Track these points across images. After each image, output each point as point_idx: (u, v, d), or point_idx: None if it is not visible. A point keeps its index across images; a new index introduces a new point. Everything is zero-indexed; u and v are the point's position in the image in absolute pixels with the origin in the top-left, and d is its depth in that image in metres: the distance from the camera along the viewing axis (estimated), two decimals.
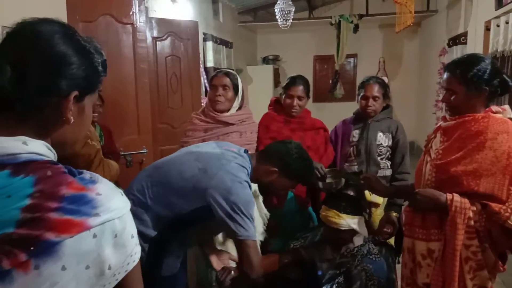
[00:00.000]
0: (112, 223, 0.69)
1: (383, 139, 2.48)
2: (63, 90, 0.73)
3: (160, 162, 1.75)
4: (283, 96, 2.51)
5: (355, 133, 2.56)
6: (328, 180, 2.26)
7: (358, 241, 2.03)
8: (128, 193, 1.59)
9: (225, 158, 1.64)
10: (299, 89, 2.47)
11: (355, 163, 2.54)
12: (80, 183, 0.70)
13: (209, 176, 1.55)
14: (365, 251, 2.00)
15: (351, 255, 2.00)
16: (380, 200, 2.45)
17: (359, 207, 2.09)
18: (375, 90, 2.47)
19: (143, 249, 1.53)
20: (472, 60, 1.64)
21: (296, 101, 2.46)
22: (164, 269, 1.62)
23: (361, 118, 2.58)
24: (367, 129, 2.51)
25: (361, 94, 2.52)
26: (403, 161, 2.47)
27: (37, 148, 0.71)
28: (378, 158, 2.48)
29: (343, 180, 2.23)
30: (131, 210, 0.76)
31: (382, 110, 2.56)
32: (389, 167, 2.50)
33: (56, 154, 0.76)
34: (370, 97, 2.47)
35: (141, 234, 1.56)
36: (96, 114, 2.65)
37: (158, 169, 1.69)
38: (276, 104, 2.59)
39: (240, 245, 1.58)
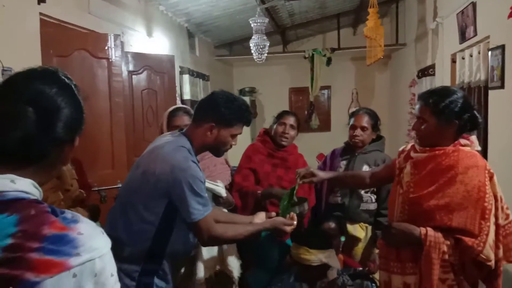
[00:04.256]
0: (93, 263, 0.70)
1: None
2: (73, 139, 0.82)
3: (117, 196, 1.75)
4: (275, 126, 2.53)
5: (342, 164, 2.58)
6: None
7: (332, 274, 2.02)
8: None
9: (157, 148, 1.63)
10: (292, 119, 2.54)
11: (339, 195, 2.54)
12: (62, 222, 0.71)
13: (151, 173, 1.55)
14: (339, 283, 1.99)
15: None
16: (362, 234, 2.45)
17: (328, 241, 2.09)
18: (364, 120, 2.51)
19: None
20: (445, 92, 1.68)
21: (288, 129, 2.49)
22: None
23: (350, 149, 2.60)
24: (354, 161, 2.52)
25: (350, 123, 2.56)
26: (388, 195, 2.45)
27: (25, 186, 0.73)
28: (362, 192, 2.48)
29: (306, 204, 2.14)
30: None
31: (373, 141, 2.58)
32: (374, 201, 2.49)
33: (41, 192, 0.77)
34: (358, 127, 2.51)
35: (125, 272, 1.53)
36: None
37: (116, 203, 1.71)
38: (264, 136, 2.60)
39: (197, 224, 1.55)
